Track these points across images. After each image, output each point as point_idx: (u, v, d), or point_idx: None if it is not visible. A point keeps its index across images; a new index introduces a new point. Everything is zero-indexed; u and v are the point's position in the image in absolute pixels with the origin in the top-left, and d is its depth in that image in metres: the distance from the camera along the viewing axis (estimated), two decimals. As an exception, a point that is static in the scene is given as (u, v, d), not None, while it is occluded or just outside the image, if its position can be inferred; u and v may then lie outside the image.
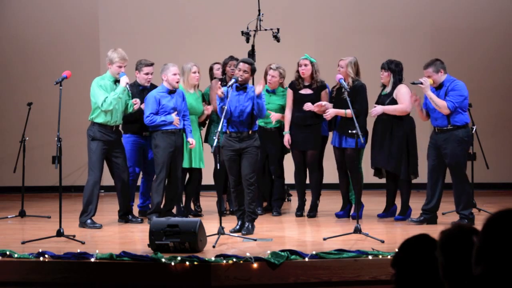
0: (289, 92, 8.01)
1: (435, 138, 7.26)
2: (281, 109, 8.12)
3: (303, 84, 7.96)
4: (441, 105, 7.07)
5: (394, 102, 7.58)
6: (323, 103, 7.78)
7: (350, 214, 7.87)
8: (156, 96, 7.57)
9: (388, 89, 7.67)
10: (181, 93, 7.76)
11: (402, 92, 7.57)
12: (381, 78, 7.72)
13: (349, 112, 7.38)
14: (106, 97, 7.39)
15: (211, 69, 8.59)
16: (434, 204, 7.28)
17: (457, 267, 2.52)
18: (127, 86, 7.45)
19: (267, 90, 8.11)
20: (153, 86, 7.98)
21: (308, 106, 7.81)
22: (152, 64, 7.94)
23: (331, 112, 7.67)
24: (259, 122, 7.89)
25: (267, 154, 8.19)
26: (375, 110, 7.59)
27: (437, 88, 7.21)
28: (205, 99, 8.29)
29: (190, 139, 7.71)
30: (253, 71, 7.03)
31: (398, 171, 7.60)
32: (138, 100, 7.60)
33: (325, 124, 8.03)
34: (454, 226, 2.67)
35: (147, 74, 7.91)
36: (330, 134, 8.12)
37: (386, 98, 7.63)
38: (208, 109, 8.10)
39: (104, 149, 7.49)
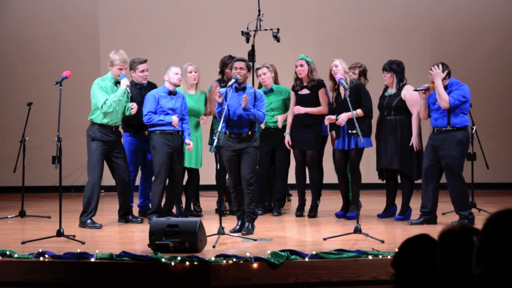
0: (292, 95, 8.07)
1: (433, 139, 7.25)
2: (285, 105, 8.14)
3: (301, 85, 7.99)
4: (443, 97, 7.04)
5: (402, 102, 7.56)
6: (333, 117, 7.77)
7: (346, 214, 7.86)
8: (155, 95, 7.59)
9: (393, 90, 7.65)
10: (181, 95, 7.77)
11: (411, 93, 7.55)
12: (384, 80, 7.71)
13: (359, 111, 7.52)
14: (106, 99, 7.40)
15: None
16: (431, 206, 7.27)
17: (458, 267, 2.52)
18: (128, 88, 7.46)
19: (264, 92, 8.13)
20: (150, 84, 7.99)
21: (297, 109, 7.84)
22: (145, 61, 7.95)
23: (343, 117, 7.61)
24: (267, 123, 7.97)
25: (272, 154, 8.20)
26: (415, 141, 7.51)
27: None
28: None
29: (187, 141, 7.71)
30: (248, 67, 7.06)
31: (404, 169, 7.58)
32: (135, 105, 7.60)
33: (324, 125, 8.06)
34: (455, 226, 2.67)
35: (142, 71, 7.92)
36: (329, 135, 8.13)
37: (394, 99, 7.60)
38: (204, 121, 8.13)
39: (104, 149, 7.49)
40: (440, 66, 7.16)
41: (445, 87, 7.16)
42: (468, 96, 7.19)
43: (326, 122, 7.82)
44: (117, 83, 7.55)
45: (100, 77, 7.70)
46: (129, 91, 7.51)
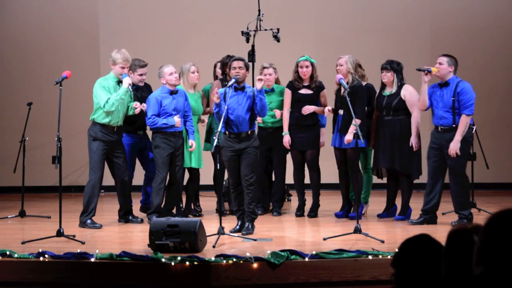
0: (287, 92, 8.03)
1: (438, 138, 7.25)
2: (282, 105, 8.15)
3: (302, 84, 7.99)
4: (465, 123, 7.13)
5: (402, 102, 7.55)
6: (330, 107, 7.83)
7: (348, 214, 7.86)
8: (158, 98, 7.60)
9: (392, 90, 7.65)
10: (183, 93, 7.78)
11: (411, 93, 7.56)
12: (384, 78, 7.70)
13: (358, 121, 7.33)
14: (108, 98, 7.40)
15: (215, 66, 8.55)
16: (434, 204, 7.27)
17: (464, 267, 2.51)
18: (130, 87, 7.47)
19: (265, 91, 8.12)
20: (146, 85, 8.00)
21: (308, 109, 7.86)
22: (145, 65, 7.96)
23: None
24: (262, 122, 7.97)
25: (269, 154, 8.20)
26: (414, 140, 7.50)
27: (442, 85, 7.21)
28: (206, 96, 8.30)
29: (190, 141, 7.73)
30: (247, 66, 7.06)
31: (405, 169, 7.58)
32: (138, 104, 7.62)
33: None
34: (464, 225, 2.67)
35: (141, 75, 7.93)
36: (329, 134, 8.13)
37: (393, 99, 7.59)
38: (204, 123, 8.17)
39: (105, 149, 7.50)
40: (446, 58, 7.21)
41: (447, 83, 7.20)
42: (474, 95, 7.23)
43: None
44: (119, 82, 7.56)
45: (102, 77, 7.71)
46: (131, 90, 7.52)
